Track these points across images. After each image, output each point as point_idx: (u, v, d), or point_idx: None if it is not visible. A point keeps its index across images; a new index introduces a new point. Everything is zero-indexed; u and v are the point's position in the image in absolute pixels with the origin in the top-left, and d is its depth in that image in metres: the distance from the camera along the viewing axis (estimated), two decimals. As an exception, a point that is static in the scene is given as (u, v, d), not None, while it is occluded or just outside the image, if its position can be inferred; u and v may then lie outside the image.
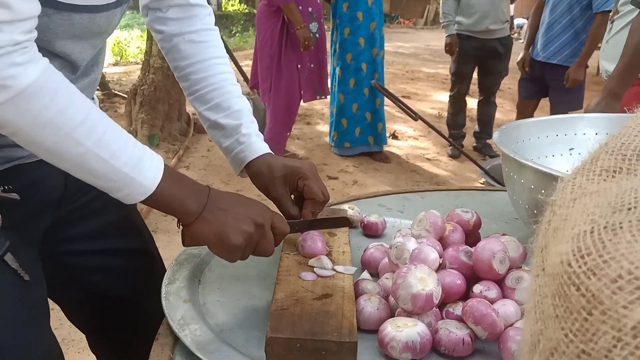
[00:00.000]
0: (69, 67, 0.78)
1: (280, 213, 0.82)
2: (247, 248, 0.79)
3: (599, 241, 0.33)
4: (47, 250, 0.89)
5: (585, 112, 2.36)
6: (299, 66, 4.04)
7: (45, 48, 0.72)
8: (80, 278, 0.97)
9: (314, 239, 0.92)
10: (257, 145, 0.94)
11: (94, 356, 1.13)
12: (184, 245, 0.80)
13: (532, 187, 0.94)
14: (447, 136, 4.40)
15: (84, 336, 1.10)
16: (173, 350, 0.75)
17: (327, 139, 4.82)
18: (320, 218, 0.96)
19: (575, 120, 1.23)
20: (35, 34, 0.64)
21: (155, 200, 0.73)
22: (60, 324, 1.93)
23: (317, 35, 4.09)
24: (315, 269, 0.85)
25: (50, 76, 0.64)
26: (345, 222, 0.99)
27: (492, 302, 0.77)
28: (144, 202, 0.72)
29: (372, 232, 1.10)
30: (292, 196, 0.96)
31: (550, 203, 0.42)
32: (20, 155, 0.78)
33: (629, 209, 0.34)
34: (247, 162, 0.93)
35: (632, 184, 0.36)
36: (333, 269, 0.86)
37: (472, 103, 5.25)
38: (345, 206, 1.14)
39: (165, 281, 0.86)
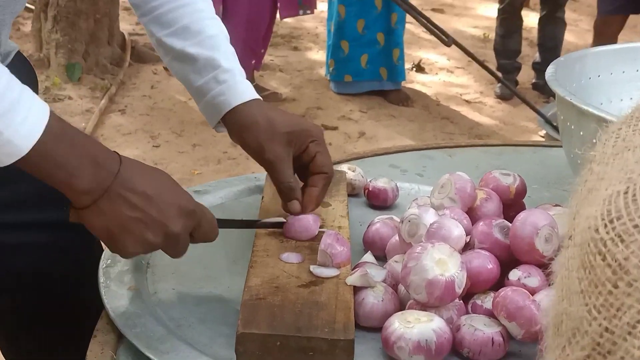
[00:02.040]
0: None
1: (211, 214, 0.86)
2: (147, 253, 0.86)
3: (632, 203, 0.40)
4: None
5: None
6: None
7: None
8: None
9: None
10: (244, 86, 0.99)
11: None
12: (69, 219, 0.81)
13: (595, 141, 1.01)
14: (494, 69, 4.46)
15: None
16: (116, 350, 0.83)
17: (323, 70, 4.85)
18: (273, 220, 0.99)
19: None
20: None
21: (31, 167, 0.73)
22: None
23: None
24: (312, 268, 0.89)
25: None
26: None
27: (533, 292, 0.85)
28: (18, 165, 0.72)
29: (379, 201, 1.17)
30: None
31: (589, 159, 0.49)
32: None
33: (673, 166, 0.42)
34: (230, 109, 0.97)
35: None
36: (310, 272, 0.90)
37: (531, 20, 5.27)
38: (345, 167, 1.22)
39: (102, 264, 0.94)
